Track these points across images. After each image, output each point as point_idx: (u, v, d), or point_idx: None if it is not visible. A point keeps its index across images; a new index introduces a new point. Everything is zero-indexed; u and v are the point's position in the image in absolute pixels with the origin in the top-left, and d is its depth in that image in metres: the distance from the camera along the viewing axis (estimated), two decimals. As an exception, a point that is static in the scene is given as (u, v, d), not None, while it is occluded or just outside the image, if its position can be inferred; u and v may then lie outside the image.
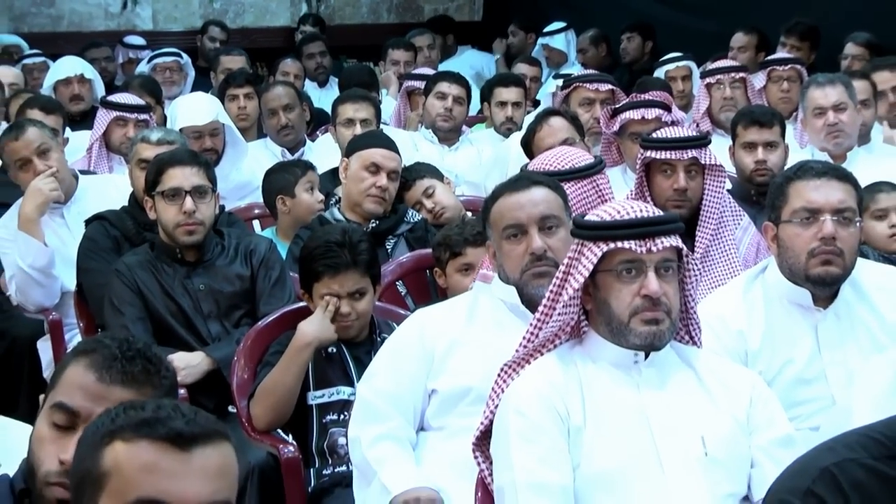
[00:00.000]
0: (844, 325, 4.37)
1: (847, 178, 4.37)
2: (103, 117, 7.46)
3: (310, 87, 10.55)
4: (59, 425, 2.67)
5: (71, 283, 6.07)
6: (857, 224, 4.35)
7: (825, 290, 4.35)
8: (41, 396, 2.80)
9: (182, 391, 5.08)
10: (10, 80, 9.16)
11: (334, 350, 4.79)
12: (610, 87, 7.69)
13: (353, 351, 4.77)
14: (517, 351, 3.73)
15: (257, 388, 4.74)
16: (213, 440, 2.22)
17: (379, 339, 4.73)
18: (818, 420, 4.10)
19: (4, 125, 7.67)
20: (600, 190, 4.97)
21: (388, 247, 5.93)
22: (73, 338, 6.06)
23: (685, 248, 3.67)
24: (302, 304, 5.06)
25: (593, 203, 4.78)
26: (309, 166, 6.52)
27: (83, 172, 6.81)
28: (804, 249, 4.28)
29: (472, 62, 12.29)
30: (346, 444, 4.41)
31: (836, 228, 4.25)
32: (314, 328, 4.70)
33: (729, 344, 4.29)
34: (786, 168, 4.81)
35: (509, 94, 8.52)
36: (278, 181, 6.44)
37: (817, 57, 9.52)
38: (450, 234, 5.30)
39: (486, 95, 8.73)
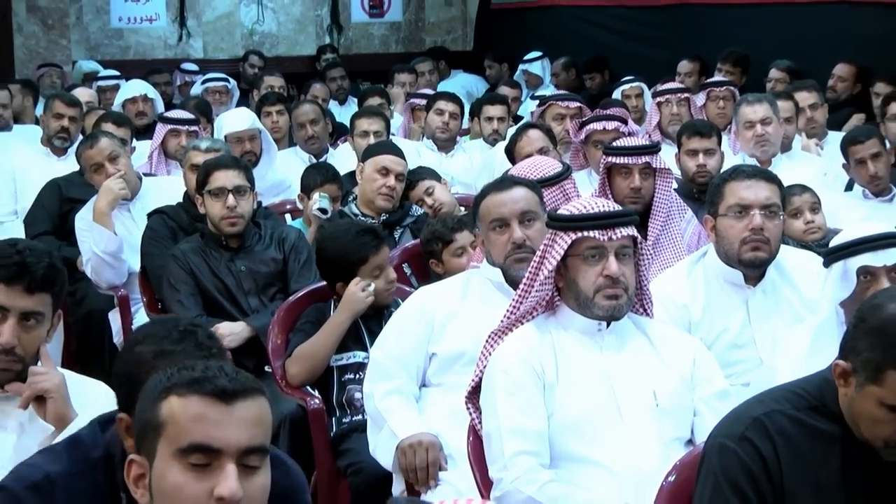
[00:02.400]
0: (770, 300, 4.38)
1: (773, 179, 4.38)
2: (160, 130, 7.46)
3: (332, 105, 10.53)
4: None
5: (136, 266, 6.06)
6: (781, 217, 4.36)
7: (754, 271, 4.36)
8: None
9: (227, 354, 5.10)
10: (87, 98, 9.14)
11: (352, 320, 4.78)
12: (578, 104, 7.70)
13: (366, 322, 4.75)
14: (502, 321, 3.73)
15: (296, 351, 4.72)
16: (251, 395, 2.22)
17: (387, 311, 4.71)
18: (748, 378, 4.10)
19: (81, 137, 7.67)
20: (567, 193, 4.98)
21: (395, 236, 5.93)
22: (138, 310, 6.05)
23: (639, 237, 3.67)
24: (323, 283, 5.05)
25: (562, 203, 4.77)
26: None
27: (146, 175, 6.81)
28: (737, 238, 4.28)
29: (463, 83, 12.27)
30: (362, 398, 4.42)
31: (763, 221, 4.26)
32: (358, 301, 4.70)
33: (675, 315, 4.30)
34: (722, 171, 4.81)
35: (495, 110, 8.50)
36: None
37: (747, 80, 9.50)
38: (436, 228, 5.29)
39: (475, 111, 8.73)
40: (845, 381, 2.80)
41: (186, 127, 7.43)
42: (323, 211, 6.07)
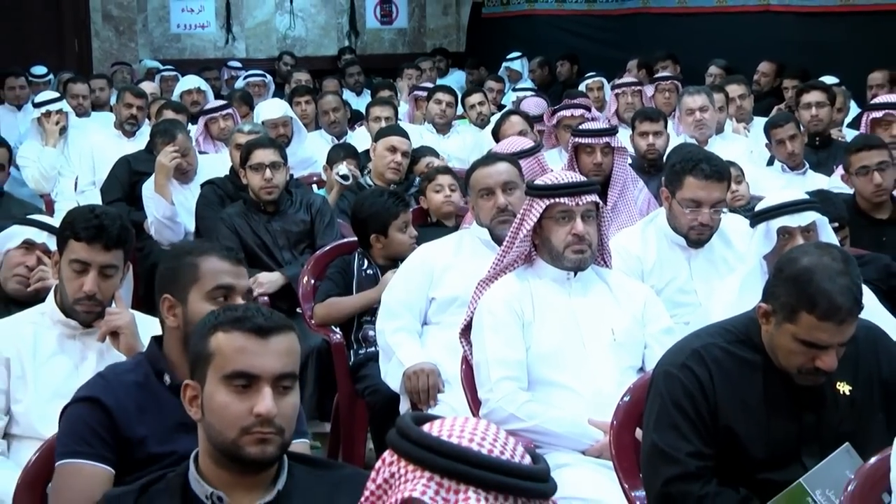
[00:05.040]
0: (709, 259, 4.32)
1: (723, 177, 4.27)
2: (201, 121, 7.42)
3: (350, 96, 10.49)
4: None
5: (191, 226, 6.05)
6: (723, 211, 4.29)
7: (701, 244, 4.32)
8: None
9: (265, 298, 5.10)
10: (151, 90, 9.09)
11: (372, 271, 4.76)
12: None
13: (383, 272, 4.72)
14: (489, 271, 3.72)
15: (331, 301, 4.69)
16: (283, 331, 2.21)
17: (399, 263, 4.70)
18: (689, 318, 4.08)
19: (147, 122, 7.65)
20: (542, 163, 4.99)
21: (402, 202, 5.95)
22: (193, 264, 6.03)
23: (601, 203, 3.66)
24: (345, 239, 5.03)
25: (538, 172, 4.76)
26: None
27: (199, 153, 6.79)
28: (687, 225, 4.21)
29: (458, 78, 12.19)
30: (374, 334, 4.42)
31: (710, 216, 4.19)
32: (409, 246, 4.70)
33: (631, 264, 4.27)
34: (683, 154, 4.72)
35: (474, 98, 8.62)
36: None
37: (688, 75, 9.46)
38: (427, 173, 5.38)
39: (462, 103, 8.76)
40: (767, 319, 2.80)
41: (220, 112, 7.39)
42: (344, 177, 6.08)
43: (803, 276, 2.71)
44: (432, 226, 5.26)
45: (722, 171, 4.26)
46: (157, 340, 2.76)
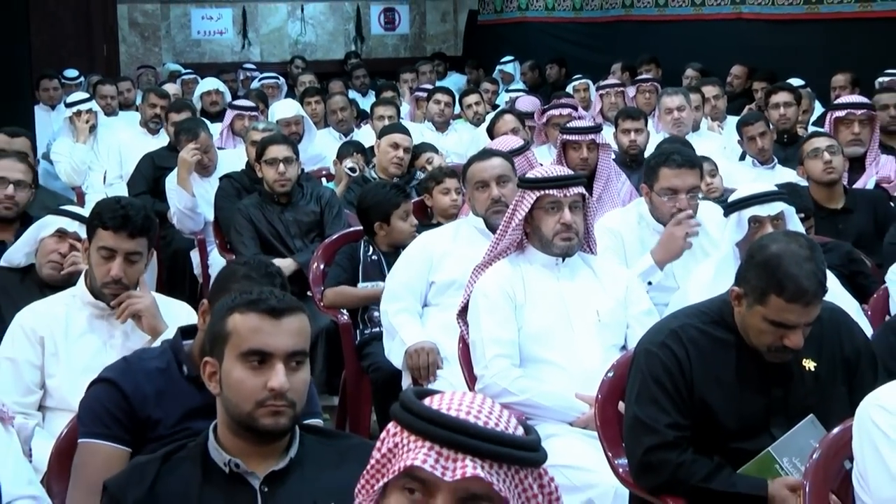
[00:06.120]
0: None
1: (695, 165, 4.25)
2: (230, 114, 7.42)
3: (356, 97, 10.46)
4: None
5: (210, 216, 6.04)
6: (699, 196, 4.28)
7: None
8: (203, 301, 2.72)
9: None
10: (173, 92, 9.08)
11: (376, 257, 4.75)
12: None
13: (387, 258, 4.73)
14: (484, 257, 3.72)
15: (342, 289, 4.67)
16: (294, 312, 2.20)
17: (401, 250, 4.68)
18: (668, 299, 4.07)
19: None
20: (530, 161, 4.95)
21: (404, 194, 5.91)
22: (212, 250, 6.01)
23: (587, 194, 3.65)
24: (352, 228, 5.02)
25: (527, 169, 4.74)
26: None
27: (219, 149, 6.76)
28: (668, 213, 4.15)
29: (455, 81, 12.16)
30: (379, 315, 4.40)
31: (687, 202, 4.15)
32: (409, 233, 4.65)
33: (612, 241, 4.23)
34: (654, 150, 4.71)
35: (470, 99, 8.57)
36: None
37: (666, 77, 9.44)
38: (434, 172, 5.24)
39: (460, 103, 8.73)
40: (739, 302, 2.79)
41: (249, 112, 7.37)
42: (352, 170, 6.08)
43: (772, 261, 2.71)
44: (433, 226, 5.19)
45: (692, 160, 4.26)
46: (182, 332, 2.74)
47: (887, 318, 3.69)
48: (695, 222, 4.12)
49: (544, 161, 5.34)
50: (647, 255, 4.13)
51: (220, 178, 6.03)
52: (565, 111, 6.80)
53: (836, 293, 3.59)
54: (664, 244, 4.11)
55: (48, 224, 3.79)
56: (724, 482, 2.73)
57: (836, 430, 2.61)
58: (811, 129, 7.18)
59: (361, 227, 4.89)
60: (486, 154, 4.37)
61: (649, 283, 4.05)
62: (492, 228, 4.04)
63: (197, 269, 6.22)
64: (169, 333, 3.09)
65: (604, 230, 4.18)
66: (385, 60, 13.66)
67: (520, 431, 1.61)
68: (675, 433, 2.76)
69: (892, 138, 6.29)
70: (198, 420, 2.43)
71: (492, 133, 6.58)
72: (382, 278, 4.62)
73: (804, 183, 5.16)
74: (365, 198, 4.85)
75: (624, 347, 3.57)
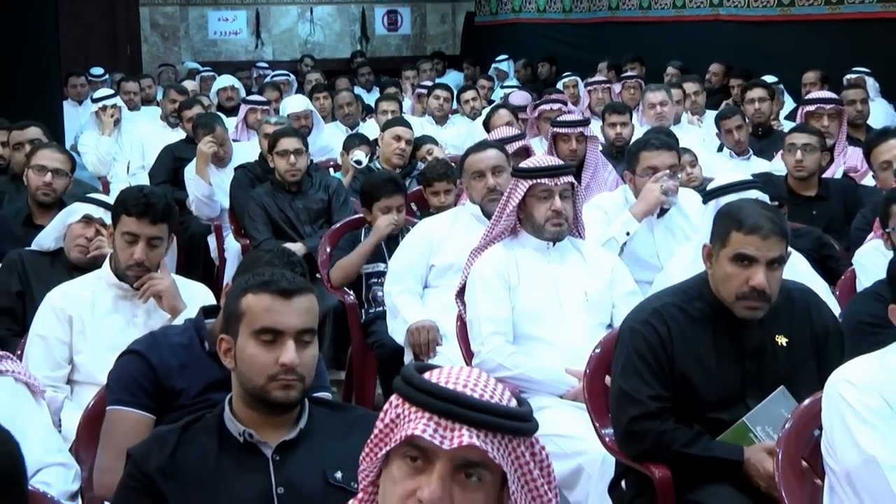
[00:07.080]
0: (669, 229, 4.28)
1: (672, 147, 4.26)
2: (243, 108, 7.40)
3: (361, 92, 10.42)
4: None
5: (226, 204, 6.02)
6: (678, 176, 4.28)
7: (663, 213, 4.29)
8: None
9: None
10: (192, 88, 9.06)
11: (378, 241, 4.74)
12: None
13: (387, 244, 4.69)
14: (480, 242, 3.71)
15: (337, 263, 4.66)
16: (304, 292, 2.20)
17: (401, 236, 4.68)
18: (652, 277, 4.06)
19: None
20: (528, 150, 4.95)
21: (406, 183, 5.87)
22: (228, 235, 6.00)
23: (576, 183, 3.64)
24: (356, 216, 5.01)
25: (521, 158, 4.73)
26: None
27: (234, 141, 6.75)
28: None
29: (454, 78, 12.12)
30: (382, 296, 4.40)
31: (670, 182, 4.17)
32: (385, 226, 4.61)
33: (599, 216, 4.24)
34: (634, 140, 4.71)
35: (468, 95, 8.56)
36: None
37: (650, 74, 9.42)
38: (434, 167, 5.06)
39: (458, 98, 8.71)
40: (710, 260, 2.83)
41: (261, 107, 7.37)
42: (358, 162, 6.06)
43: (733, 207, 2.85)
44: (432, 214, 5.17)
45: (669, 142, 4.27)
46: (204, 311, 2.75)
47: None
48: (673, 183, 4.12)
49: (536, 152, 5.32)
50: (626, 210, 4.16)
51: (235, 169, 6.01)
52: (556, 106, 6.77)
53: (807, 275, 3.60)
54: (642, 197, 4.15)
55: (75, 211, 3.78)
56: (702, 448, 2.73)
57: (806, 402, 2.61)
58: (784, 123, 7.17)
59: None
60: (482, 146, 4.37)
61: (627, 234, 4.09)
62: (487, 215, 4.03)
63: (213, 253, 6.21)
64: (188, 312, 3.10)
65: (593, 207, 4.21)
66: (388, 59, 13.64)
67: (513, 403, 1.61)
68: (658, 404, 2.76)
69: (858, 131, 6.29)
70: (218, 392, 2.43)
71: (487, 126, 6.57)
72: (384, 261, 4.62)
73: (779, 172, 5.16)
74: (364, 183, 4.87)
75: (610, 325, 3.56)
